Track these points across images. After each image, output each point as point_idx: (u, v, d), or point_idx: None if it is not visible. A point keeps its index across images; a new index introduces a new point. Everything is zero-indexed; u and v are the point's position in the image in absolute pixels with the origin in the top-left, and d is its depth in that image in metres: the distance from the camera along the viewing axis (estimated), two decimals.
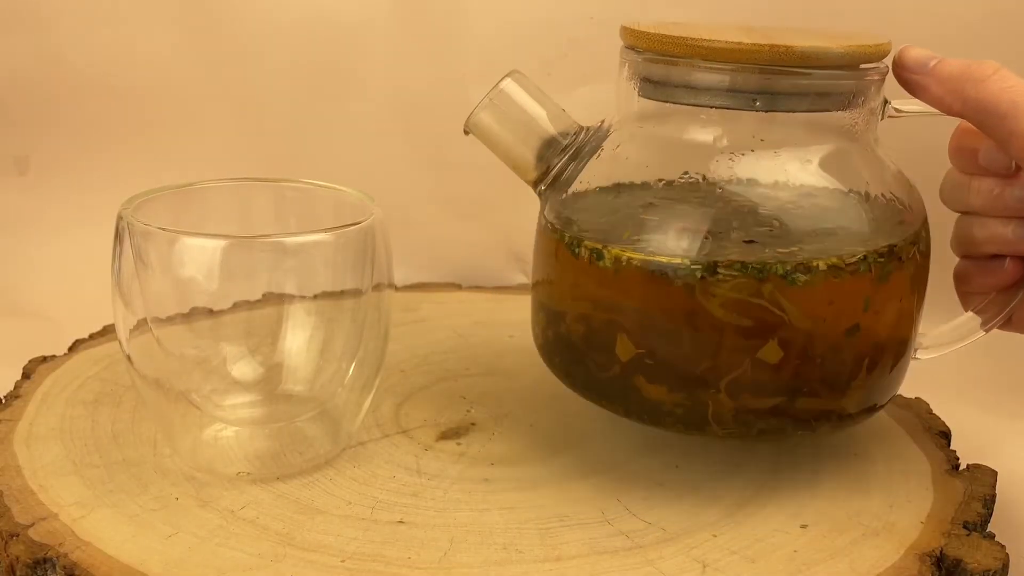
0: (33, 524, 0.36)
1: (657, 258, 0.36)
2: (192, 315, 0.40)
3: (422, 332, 0.56)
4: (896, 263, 0.37)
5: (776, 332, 0.36)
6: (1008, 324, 0.41)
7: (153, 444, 0.42)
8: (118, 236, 0.38)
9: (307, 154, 0.69)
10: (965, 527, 0.38)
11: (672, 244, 0.36)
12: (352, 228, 0.38)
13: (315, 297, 0.40)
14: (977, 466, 0.42)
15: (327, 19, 0.67)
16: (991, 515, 0.40)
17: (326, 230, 0.38)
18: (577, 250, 0.39)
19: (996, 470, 0.42)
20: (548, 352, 0.43)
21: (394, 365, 0.51)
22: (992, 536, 0.38)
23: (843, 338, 0.37)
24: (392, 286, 0.42)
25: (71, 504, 0.37)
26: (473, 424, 0.46)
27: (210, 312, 0.40)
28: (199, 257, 0.37)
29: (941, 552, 0.36)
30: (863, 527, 0.38)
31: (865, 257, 0.36)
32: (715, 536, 0.37)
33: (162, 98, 0.68)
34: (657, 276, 0.36)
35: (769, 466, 0.42)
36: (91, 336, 0.54)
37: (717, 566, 0.35)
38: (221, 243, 0.37)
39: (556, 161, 0.41)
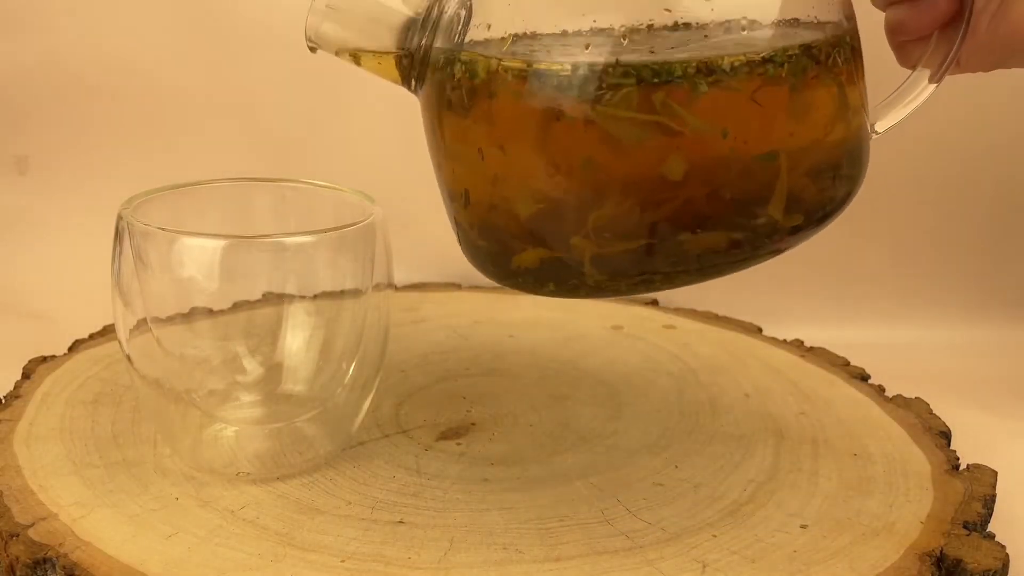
0: (33, 524, 0.36)
1: (536, 66, 0.32)
2: (192, 315, 0.40)
3: (422, 332, 0.56)
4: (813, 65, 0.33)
5: (675, 145, 0.32)
6: (957, 67, 0.37)
7: (153, 444, 0.42)
8: (118, 236, 0.39)
9: (307, 154, 0.69)
10: (965, 527, 0.38)
11: (556, 53, 0.32)
12: (352, 228, 0.38)
13: (315, 297, 0.40)
14: (977, 466, 0.42)
15: None
16: (991, 515, 0.40)
17: (326, 230, 0.38)
18: (453, 92, 0.34)
19: (996, 470, 0.42)
20: (463, 244, 0.39)
21: (394, 365, 0.51)
22: (992, 536, 0.38)
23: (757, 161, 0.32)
24: (392, 286, 0.42)
25: (71, 504, 0.37)
26: (473, 424, 0.46)
27: (210, 312, 0.40)
28: (199, 257, 0.37)
29: (941, 552, 0.36)
30: (863, 527, 0.38)
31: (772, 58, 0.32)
32: (715, 536, 0.37)
33: (162, 98, 0.68)
34: (539, 91, 0.32)
35: (769, 466, 0.42)
36: (91, 336, 0.54)
37: (717, 566, 0.35)
38: (221, 243, 0.37)
39: (420, 42, 0.36)
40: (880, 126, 0.37)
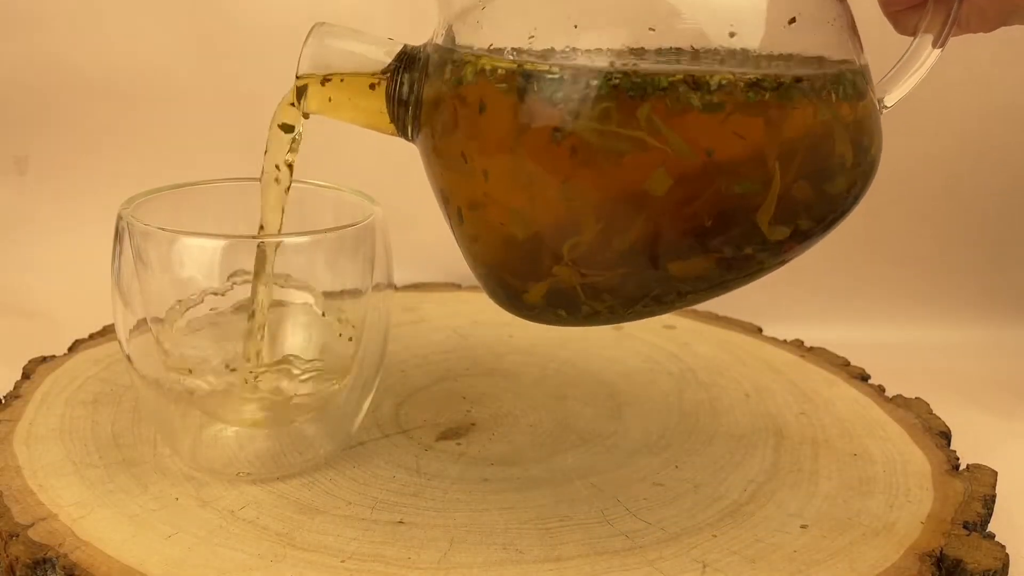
0: (33, 524, 0.36)
1: (525, 66, 0.32)
2: (192, 315, 0.40)
3: (422, 332, 0.56)
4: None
5: (658, 161, 0.31)
6: (958, 28, 0.36)
7: (153, 444, 0.42)
8: (118, 236, 0.39)
9: (307, 154, 0.69)
10: (965, 527, 0.38)
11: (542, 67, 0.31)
12: (352, 228, 0.38)
13: (315, 297, 0.40)
14: (977, 466, 0.42)
15: (327, 18, 0.67)
16: (991, 515, 0.40)
17: (326, 230, 0.38)
18: (442, 122, 0.34)
19: (996, 470, 0.42)
20: (484, 287, 0.38)
21: (394, 365, 0.51)
22: (992, 536, 0.38)
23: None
24: (392, 286, 0.42)
25: (71, 504, 0.37)
26: (473, 424, 0.46)
27: (210, 312, 0.40)
28: (199, 257, 0.37)
29: (941, 552, 0.36)
30: (863, 527, 0.38)
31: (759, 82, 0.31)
32: (715, 536, 0.37)
33: (162, 98, 0.68)
34: (526, 96, 0.32)
35: (769, 466, 0.42)
36: (91, 336, 0.54)
37: (717, 566, 0.35)
38: (221, 243, 0.37)
39: (410, 88, 0.36)
40: (889, 100, 0.36)
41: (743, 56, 0.32)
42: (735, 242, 0.33)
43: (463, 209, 0.36)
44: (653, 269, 0.33)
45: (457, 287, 0.65)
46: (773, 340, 0.58)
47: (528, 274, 0.35)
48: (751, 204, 0.32)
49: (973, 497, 0.40)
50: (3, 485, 0.38)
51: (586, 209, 0.32)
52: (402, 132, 0.37)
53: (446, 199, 0.37)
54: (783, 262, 0.35)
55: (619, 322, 0.37)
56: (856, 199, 0.35)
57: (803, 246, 0.34)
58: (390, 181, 0.68)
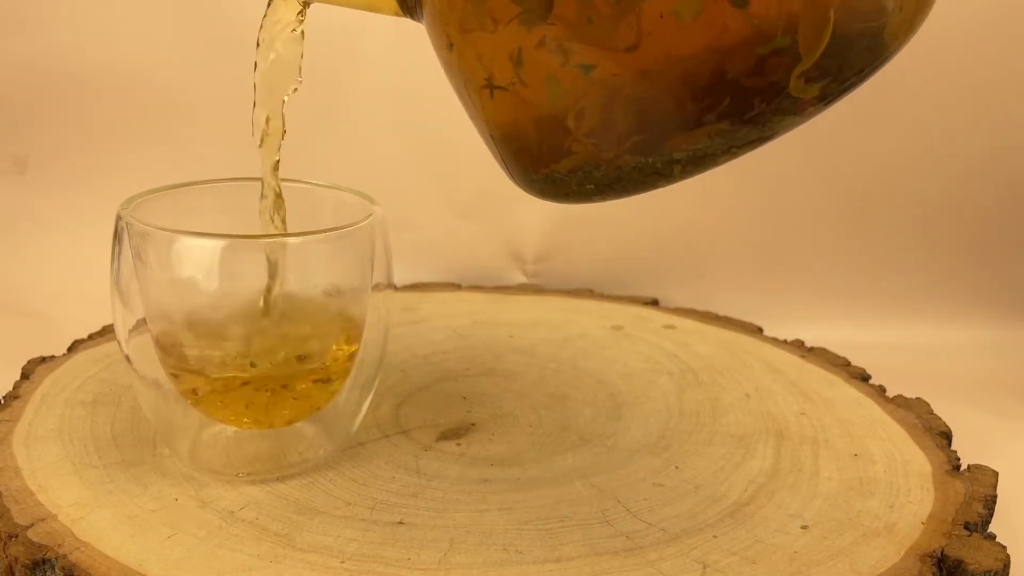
0: (32, 525, 0.36)
1: None
2: (192, 315, 0.40)
3: (422, 332, 0.56)
4: None
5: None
6: None
7: (152, 444, 0.42)
8: (117, 236, 0.38)
9: (307, 154, 0.69)
10: (966, 528, 0.38)
11: None
12: (352, 228, 0.38)
13: (315, 297, 0.40)
14: (978, 466, 0.42)
15: (327, 19, 0.67)
16: (992, 516, 0.40)
17: (326, 230, 0.38)
18: None
19: (997, 471, 0.42)
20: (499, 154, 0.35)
21: (394, 365, 0.51)
22: (993, 537, 0.38)
23: None
24: (392, 286, 0.42)
25: (70, 505, 0.37)
26: (473, 424, 0.46)
27: (210, 312, 0.40)
28: (199, 257, 0.37)
29: (942, 553, 0.36)
30: (864, 528, 0.38)
31: None
32: (715, 537, 0.37)
33: (161, 98, 0.68)
34: None
35: (770, 467, 0.42)
36: (90, 336, 0.54)
37: (717, 567, 0.35)
38: (221, 243, 0.37)
39: None
40: None
41: None
42: (760, 100, 0.29)
43: (469, 85, 0.32)
44: (665, 135, 0.30)
45: (457, 287, 0.65)
46: (773, 340, 0.58)
47: (545, 151, 0.32)
48: (788, 58, 0.28)
49: (974, 498, 0.40)
50: (2, 485, 0.38)
51: (604, 68, 0.29)
52: (406, 9, 0.34)
53: (456, 76, 0.34)
54: (801, 122, 0.30)
55: (632, 195, 0.33)
56: (895, 52, 0.31)
57: (829, 104, 0.30)
58: (390, 181, 0.68)
